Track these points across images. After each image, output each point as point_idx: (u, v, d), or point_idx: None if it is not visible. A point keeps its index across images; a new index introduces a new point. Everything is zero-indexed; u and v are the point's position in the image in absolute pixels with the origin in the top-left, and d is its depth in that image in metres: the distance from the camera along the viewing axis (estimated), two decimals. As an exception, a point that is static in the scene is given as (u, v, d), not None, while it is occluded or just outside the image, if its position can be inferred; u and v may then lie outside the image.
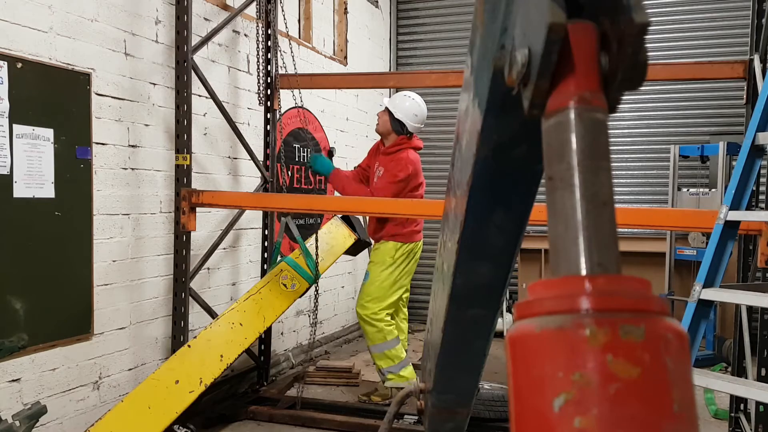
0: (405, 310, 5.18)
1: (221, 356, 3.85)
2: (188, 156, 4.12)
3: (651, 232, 6.57)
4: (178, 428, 3.67)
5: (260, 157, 5.00)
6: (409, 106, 4.74)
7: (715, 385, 2.84)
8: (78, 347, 3.62)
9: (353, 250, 4.99)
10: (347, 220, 4.89)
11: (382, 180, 4.68)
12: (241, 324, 4.08)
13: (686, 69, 4.59)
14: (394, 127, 4.73)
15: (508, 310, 6.62)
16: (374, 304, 4.73)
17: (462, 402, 1.42)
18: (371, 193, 4.70)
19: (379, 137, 4.95)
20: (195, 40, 4.21)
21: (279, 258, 4.50)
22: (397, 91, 5.64)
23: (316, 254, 4.37)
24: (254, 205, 4.54)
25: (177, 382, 3.62)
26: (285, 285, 4.37)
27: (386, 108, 4.77)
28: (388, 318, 4.80)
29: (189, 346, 3.87)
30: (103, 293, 3.77)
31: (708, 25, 6.93)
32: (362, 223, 5.12)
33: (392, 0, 7.99)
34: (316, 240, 4.39)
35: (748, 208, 3.02)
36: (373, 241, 4.97)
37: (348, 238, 4.84)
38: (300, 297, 4.50)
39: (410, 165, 4.66)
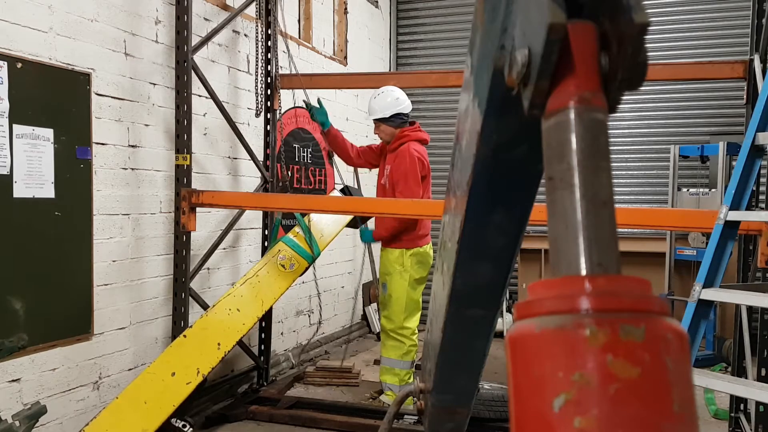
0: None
1: (218, 344, 3.75)
2: (188, 156, 4.12)
3: (651, 232, 6.57)
4: (176, 422, 3.62)
5: (260, 157, 5.00)
6: (389, 99, 4.67)
7: (715, 385, 2.84)
8: (78, 347, 3.61)
9: (354, 223, 4.96)
10: (346, 192, 4.85)
11: (399, 184, 4.58)
12: (238, 310, 3.97)
13: (686, 69, 4.60)
14: (396, 126, 4.69)
15: (508, 310, 6.61)
16: (400, 315, 4.64)
17: (462, 402, 1.42)
18: (387, 192, 4.64)
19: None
20: (195, 40, 4.21)
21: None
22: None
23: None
24: (254, 205, 4.54)
25: (173, 374, 3.55)
26: (283, 266, 4.23)
27: (377, 119, 4.71)
28: (416, 336, 4.71)
29: (185, 336, 3.80)
30: (103, 293, 3.77)
31: (708, 25, 6.93)
32: (361, 193, 5.07)
33: (392, 0, 7.99)
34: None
35: (748, 208, 3.02)
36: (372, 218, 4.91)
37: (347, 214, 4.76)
38: (300, 276, 4.38)
39: (414, 153, 4.60)
